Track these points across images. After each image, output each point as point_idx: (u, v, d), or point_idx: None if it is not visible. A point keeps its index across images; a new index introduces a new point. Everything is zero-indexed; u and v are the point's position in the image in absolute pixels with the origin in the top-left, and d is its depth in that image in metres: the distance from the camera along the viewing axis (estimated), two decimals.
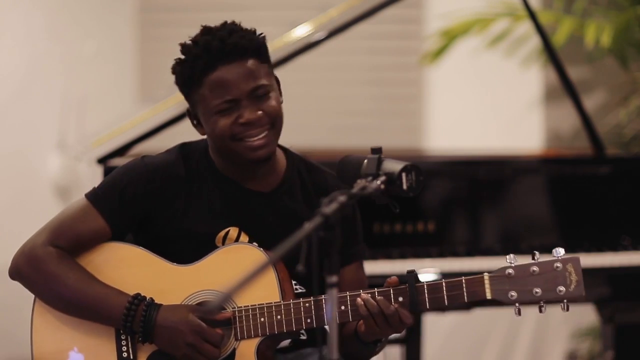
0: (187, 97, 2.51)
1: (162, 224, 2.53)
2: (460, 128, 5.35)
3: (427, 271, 3.49)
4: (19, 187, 5.13)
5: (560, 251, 2.35)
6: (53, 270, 2.48)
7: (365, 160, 2.29)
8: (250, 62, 2.45)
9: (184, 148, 2.59)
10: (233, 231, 2.54)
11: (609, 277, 3.61)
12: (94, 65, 5.32)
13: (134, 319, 2.44)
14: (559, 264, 2.33)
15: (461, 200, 3.75)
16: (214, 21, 2.53)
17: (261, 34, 2.51)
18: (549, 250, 3.63)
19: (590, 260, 3.59)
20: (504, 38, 4.99)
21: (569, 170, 3.80)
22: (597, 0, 5.12)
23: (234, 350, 2.46)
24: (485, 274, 2.36)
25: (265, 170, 2.55)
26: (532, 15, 3.82)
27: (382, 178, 2.23)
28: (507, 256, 2.36)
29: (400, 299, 2.38)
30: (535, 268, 2.34)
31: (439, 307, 2.38)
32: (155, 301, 2.47)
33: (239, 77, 2.44)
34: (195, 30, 2.50)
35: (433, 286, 2.37)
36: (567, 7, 5.02)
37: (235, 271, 2.42)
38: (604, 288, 3.66)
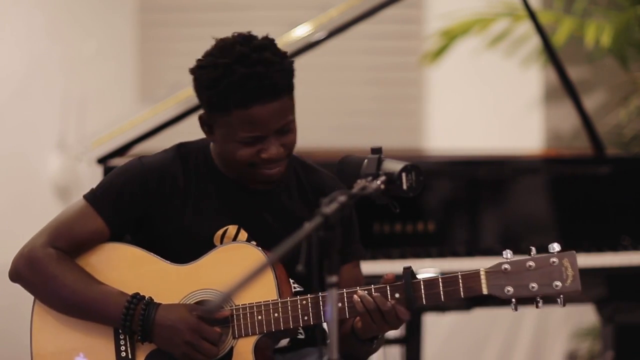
0: (208, 112, 2.48)
1: (160, 223, 2.54)
2: (460, 128, 5.35)
3: (427, 271, 3.49)
4: (19, 188, 5.13)
5: (556, 246, 2.36)
6: (52, 271, 2.48)
7: (365, 160, 2.29)
8: (284, 100, 2.45)
9: (182, 147, 2.59)
10: (232, 229, 2.55)
11: (608, 277, 3.62)
12: (94, 65, 5.32)
13: (132, 318, 2.45)
14: (555, 259, 2.34)
15: (461, 200, 3.75)
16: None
17: (291, 61, 2.47)
18: (548, 251, 3.67)
19: (590, 260, 3.58)
20: (504, 38, 5.00)
21: (569, 170, 3.80)
22: (597, 0, 5.12)
23: (232, 348, 2.46)
24: (482, 269, 2.36)
25: None
26: (532, 15, 3.82)
27: (382, 178, 2.23)
28: (504, 251, 2.37)
29: (397, 295, 2.38)
30: (531, 263, 2.35)
31: (435, 302, 2.39)
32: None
33: (271, 116, 2.43)
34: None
35: (429, 282, 2.38)
36: (567, 7, 5.02)
37: (234, 270, 2.43)
38: (603, 288, 3.66)
